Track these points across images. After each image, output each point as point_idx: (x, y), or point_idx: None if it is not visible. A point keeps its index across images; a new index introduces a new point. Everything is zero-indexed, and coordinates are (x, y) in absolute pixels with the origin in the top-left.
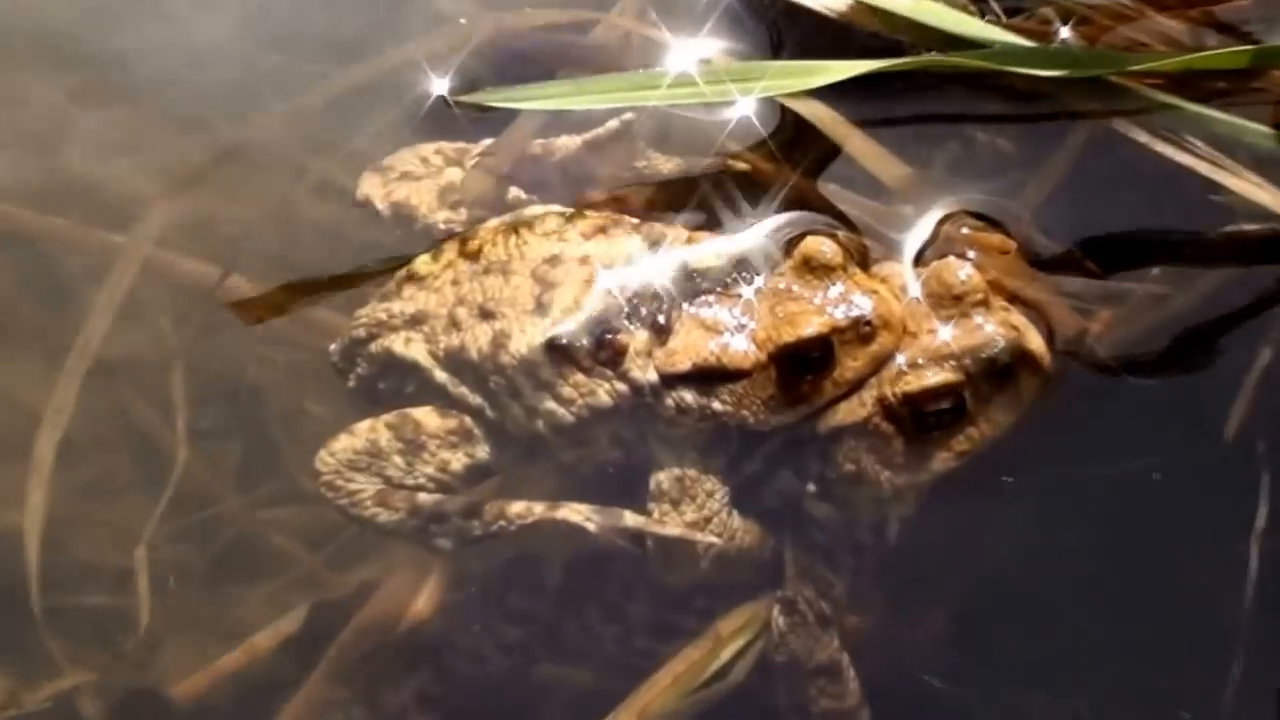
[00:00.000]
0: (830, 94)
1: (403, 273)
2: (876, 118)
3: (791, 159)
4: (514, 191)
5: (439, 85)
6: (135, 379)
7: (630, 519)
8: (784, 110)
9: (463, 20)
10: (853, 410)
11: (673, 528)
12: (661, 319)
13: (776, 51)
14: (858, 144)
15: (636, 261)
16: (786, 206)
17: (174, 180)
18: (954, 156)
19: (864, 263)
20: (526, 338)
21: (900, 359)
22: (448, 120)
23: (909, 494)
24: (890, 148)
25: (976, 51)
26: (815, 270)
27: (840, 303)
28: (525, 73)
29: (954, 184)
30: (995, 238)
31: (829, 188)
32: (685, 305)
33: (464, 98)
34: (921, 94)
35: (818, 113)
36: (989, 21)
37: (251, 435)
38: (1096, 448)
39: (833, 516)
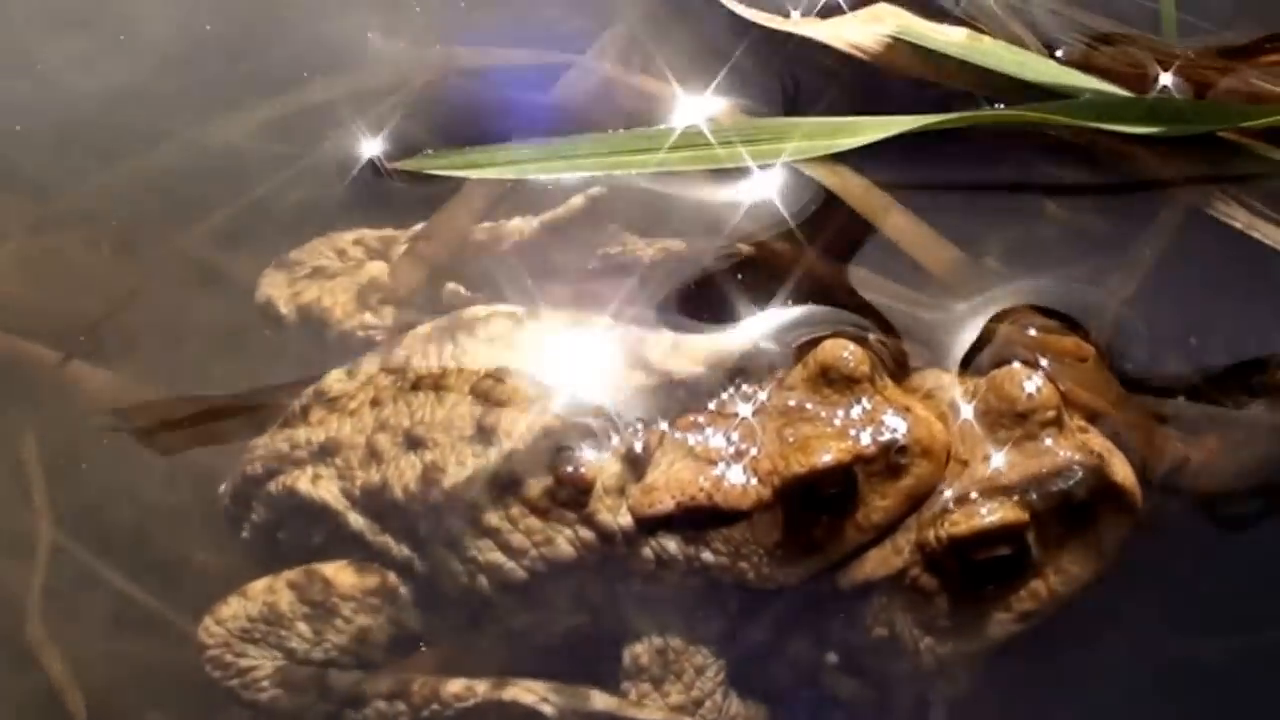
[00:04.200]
0: (862, 159)
1: (310, 392)
2: (919, 188)
3: (811, 240)
4: (452, 288)
5: (368, 147)
6: None
7: (600, 701)
8: (803, 180)
9: (370, 35)
10: (884, 560)
11: (654, 712)
12: (638, 446)
13: (793, 106)
14: (896, 222)
15: (606, 373)
16: (801, 300)
17: None
18: (1018, 237)
19: (899, 373)
20: (465, 472)
21: (946, 494)
22: (377, 196)
23: (958, 668)
24: (937, 226)
25: (1053, 104)
26: (835, 383)
27: (866, 424)
28: (473, 135)
29: (1017, 271)
30: (1070, 341)
31: (858, 276)
32: (668, 428)
33: (400, 164)
34: (977, 158)
35: (846, 183)
36: (1063, 64)
37: (112, 596)
38: (1204, 612)
39: (861, 696)
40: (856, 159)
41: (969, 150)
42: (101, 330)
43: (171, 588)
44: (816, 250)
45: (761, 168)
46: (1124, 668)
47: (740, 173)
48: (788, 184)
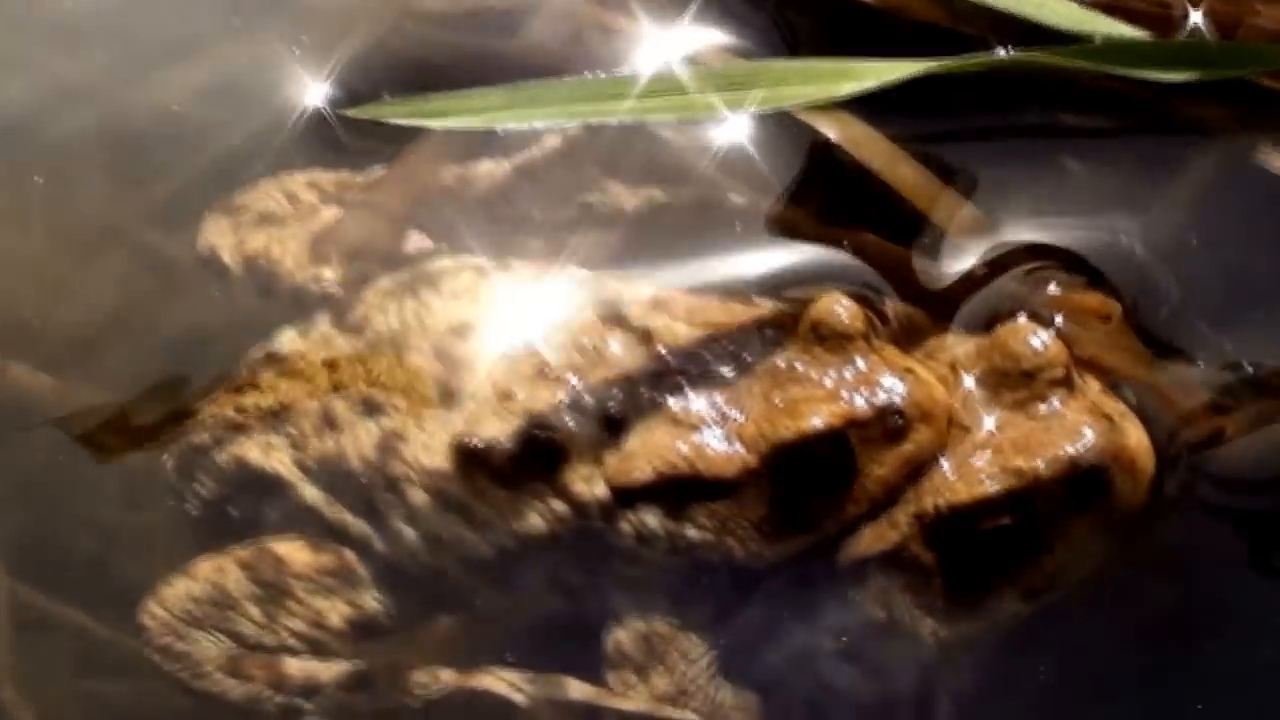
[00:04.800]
0: (866, 107)
1: (260, 354)
2: (929, 140)
3: (807, 193)
4: (416, 239)
5: (315, 93)
6: None
7: (578, 690)
8: (799, 128)
9: None
10: (881, 535)
11: (638, 702)
12: (614, 410)
13: (791, 49)
14: (903, 173)
15: (582, 331)
16: (794, 255)
17: None
18: (1037, 190)
19: (904, 334)
20: (426, 439)
21: (945, 463)
22: (327, 144)
23: (962, 653)
24: (948, 180)
25: (1073, 48)
26: (827, 341)
27: (860, 386)
28: (431, 86)
29: (1035, 225)
30: (1092, 298)
31: (859, 231)
32: (648, 392)
33: (354, 112)
34: (992, 106)
35: (849, 132)
36: (1085, 5)
37: (59, 581)
38: (1235, 599)
39: (860, 686)
40: (859, 109)
41: (983, 99)
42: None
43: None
44: (814, 203)
45: (755, 114)
46: (1144, 659)
47: (732, 120)
48: (784, 133)
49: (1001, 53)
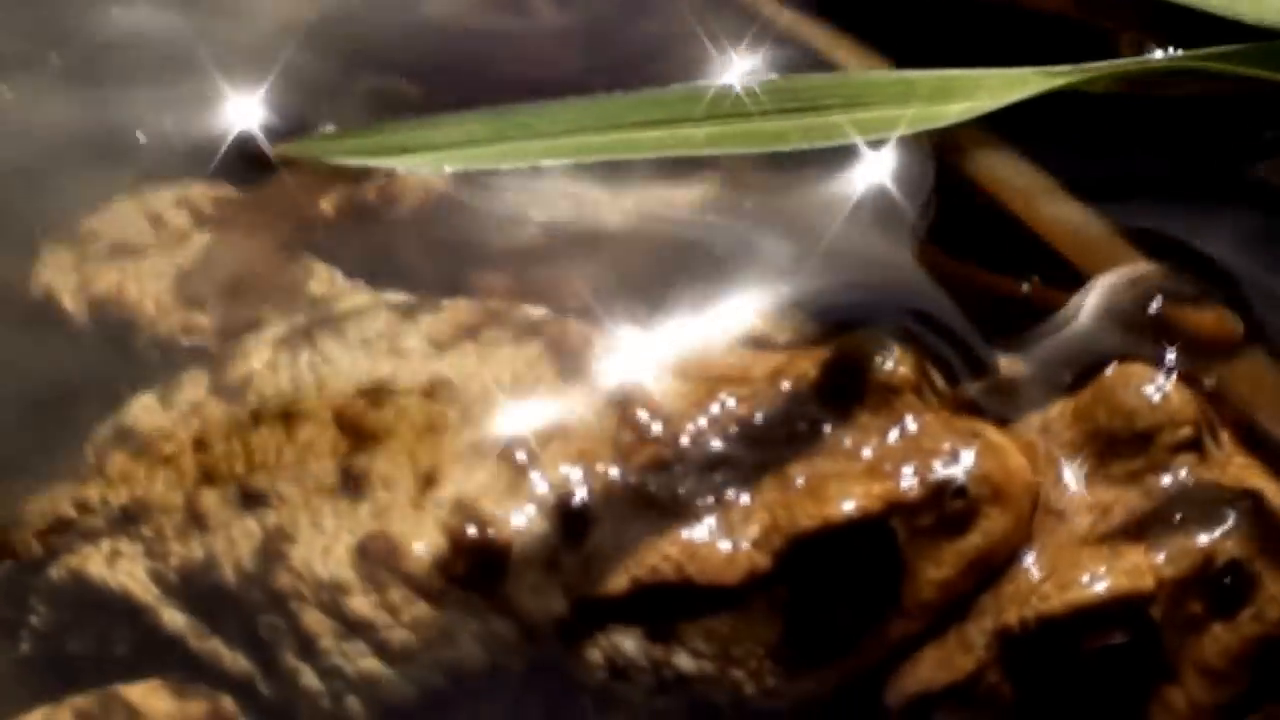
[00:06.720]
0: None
1: (108, 430)
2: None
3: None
4: (320, 274)
5: (240, 113)
6: None
7: None
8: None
9: None
10: (947, 660)
11: None
12: (577, 496)
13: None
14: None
15: (534, 390)
16: (846, 278)
17: None
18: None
19: (1001, 397)
20: (324, 540)
21: (1030, 559)
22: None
23: None
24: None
25: (1256, 46)
26: (866, 398)
27: (909, 456)
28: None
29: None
30: (1206, 315)
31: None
32: (620, 472)
33: (283, 149)
34: (1143, 125)
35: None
36: None
37: None
38: None
39: None
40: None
41: (1132, 115)
42: None
43: None
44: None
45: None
46: None
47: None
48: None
49: (1159, 54)
